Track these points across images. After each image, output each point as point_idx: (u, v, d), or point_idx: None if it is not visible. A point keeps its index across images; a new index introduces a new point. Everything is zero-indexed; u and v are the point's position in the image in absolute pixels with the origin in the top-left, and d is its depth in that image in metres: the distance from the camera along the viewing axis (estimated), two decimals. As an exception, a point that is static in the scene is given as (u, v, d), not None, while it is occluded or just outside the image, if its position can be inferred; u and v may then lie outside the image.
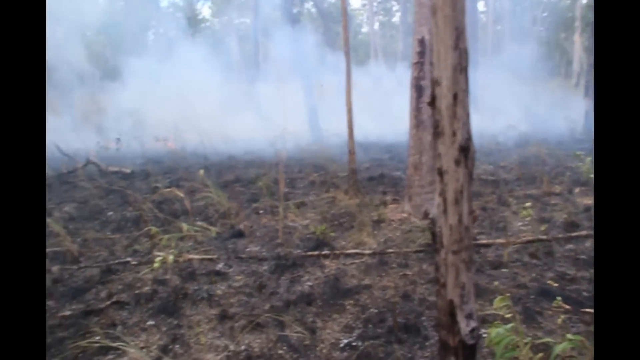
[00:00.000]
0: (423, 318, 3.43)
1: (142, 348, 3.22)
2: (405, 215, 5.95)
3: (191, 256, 4.79)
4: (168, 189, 6.91)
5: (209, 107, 17.24)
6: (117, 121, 16.90)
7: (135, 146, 14.69)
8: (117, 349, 3.04)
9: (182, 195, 6.07)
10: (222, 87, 18.73)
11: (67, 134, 15.61)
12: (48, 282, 4.40)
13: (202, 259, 4.77)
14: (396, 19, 44.02)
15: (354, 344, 3.15)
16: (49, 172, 10.72)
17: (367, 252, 4.78)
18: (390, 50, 41.21)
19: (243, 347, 3.16)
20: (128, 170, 10.76)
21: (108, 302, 3.90)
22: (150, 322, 3.56)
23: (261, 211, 6.63)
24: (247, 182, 8.62)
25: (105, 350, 3.09)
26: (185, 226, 5.28)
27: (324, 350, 3.10)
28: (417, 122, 5.88)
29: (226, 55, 20.19)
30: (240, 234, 5.54)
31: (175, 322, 3.55)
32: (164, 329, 3.46)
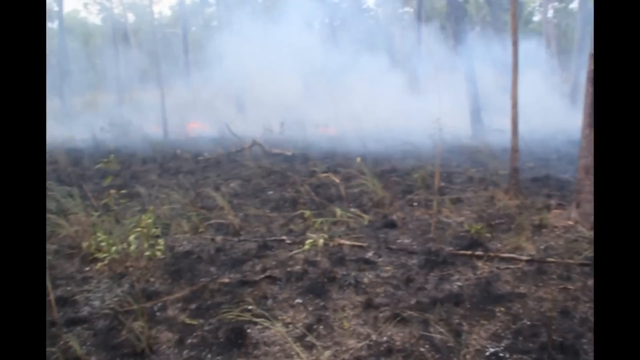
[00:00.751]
0: (584, 340, 3.08)
1: (288, 323, 3.36)
2: (570, 222, 5.42)
3: (342, 241, 4.87)
4: (325, 174, 7.13)
5: (370, 96, 17.41)
6: (282, 107, 17.84)
7: (297, 131, 15.40)
8: (265, 320, 3.19)
9: (338, 180, 6.22)
10: (384, 77, 18.78)
11: (236, 117, 16.92)
12: (212, 250, 4.81)
13: (353, 246, 4.83)
14: (574, 4, 40.12)
15: (500, 354, 2.95)
16: (219, 150, 11.71)
17: (525, 258, 4.44)
18: (565, 40, 37.82)
19: (385, 339, 3.13)
20: (289, 153, 11.32)
21: (262, 276, 4.13)
22: (298, 300, 3.70)
23: (415, 204, 6.53)
24: (403, 173, 8.54)
25: (254, 321, 3.27)
26: (338, 211, 5.40)
27: (468, 356, 2.94)
28: (591, 120, 5.28)
29: (389, 44, 20.13)
30: (392, 225, 5.51)
31: (322, 303, 3.64)
32: (311, 308, 3.57)
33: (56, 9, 39.38)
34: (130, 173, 9.63)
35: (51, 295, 3.46)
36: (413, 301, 3.64)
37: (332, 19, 28.56)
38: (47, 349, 3.05)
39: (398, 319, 3.33)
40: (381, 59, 19.50)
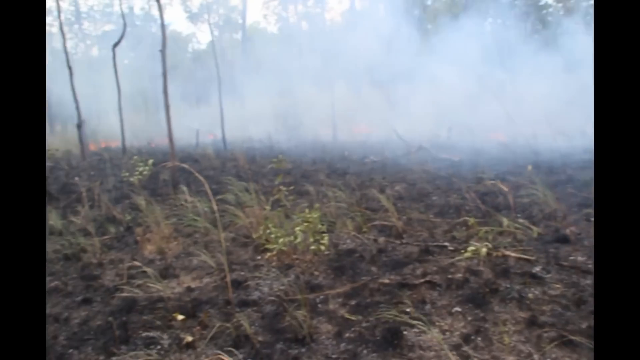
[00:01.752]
0: None
1: (445, 330, 3.31)
2: None
3: (507, 253, 4.65)
4: (492, 182, 6.85)
5: (544, 99, 16.21)
6: (450, 112, 17.45)
7: (465, 137, 14.95)
8: (422, 324, 3.20)
9: (506, 189, 5.93)
10: (560, 78, 17.33)
11: (403, 121, 16.95)
12: (374, 251, 4.92)
13: (519, 258, 4.59)
14: None
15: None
16: (386, 153, 11.86)
17: None
18: None
19: (549, 360, 2.94)
20: (456, 159, 11.06)
21: (422, 280, 4.13)
22: (457, 309, 3.63)
23: (592, 218, 5.96)
24: (581, 184, 7.83)
25: (411, 324, 3.29)
26: (505, 221, 5.15)
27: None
28: None
29: (570, 42, 18.42)
30: (564, 240, 5.10)
31: (482, 314, 3.52)
32: (469, 318, 3.48)
33: (240, 21, 43.37)
34: (301, 172, 10.24)
35: (228, 277, 3.85)
36: (584, 325, 3.34)
37: (505, 18, 27.10)
38: (222, 324, 3.42)
39: (565, 341, 3.09)
40: (557, 59, 18.00)
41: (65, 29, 17.23)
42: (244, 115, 22.88)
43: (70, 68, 15.25)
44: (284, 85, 23.48)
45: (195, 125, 18.95)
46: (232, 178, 7.46)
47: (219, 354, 2.94)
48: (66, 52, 15.64)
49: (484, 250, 4.28)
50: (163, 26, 9.82)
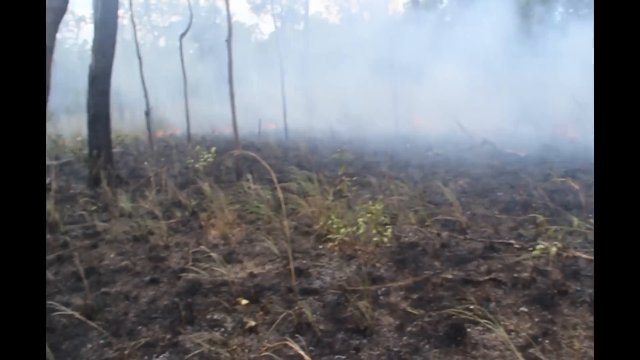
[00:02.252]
0: None
1: (510, 330, 3.21)
2: None
3: (578, 254, 4.45)
4: (562, 179, 6.57)
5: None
6: (517, 105, 16.84)
7: (532, 131, 14.42)
8: (487, 322, 3.11)
9: (577, 187, 5.67)
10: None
11: (468, 115, 16.51)
12: (437, 245, 4.83)
13: (590, 260, 4.38)
14: None
15: None
16: (449, 146, 11.61)
17: None
18: None
19: (625, 368, 2.79)
20: (522, 154, 10.68)
21: (486, 277, 4.02)
22: (524, 309, 3.51)
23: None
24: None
25: (475, 321, 3.21)
26: (576, 221, 4.93)
27: None
28: None
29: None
30: (640, 242, 4.82)
31: (550, 316, 3.39)
32: (537, 319, 3.36)
33: (302, 12, 43.47)
34: (363, 163, 10.20)
35: (292, 266, 3.89)
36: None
37: (577, 8, 25.72)
38: (285, 311, 3.46)
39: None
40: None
41: (135, 20, 17.82)
42: (305, 106, 23.03)
43: (140, 58, 15.79)
44: (345, 76, 23.39)
45: (257, 114, 19.24)
46: (294, 167, 7.52)
47: (284, 339, 2.98)
48: (137, 43, 16.20)
49: (554, 249, 4.10)
50: (229, 16, 9.98)
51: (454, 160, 10.39)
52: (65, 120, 21.01)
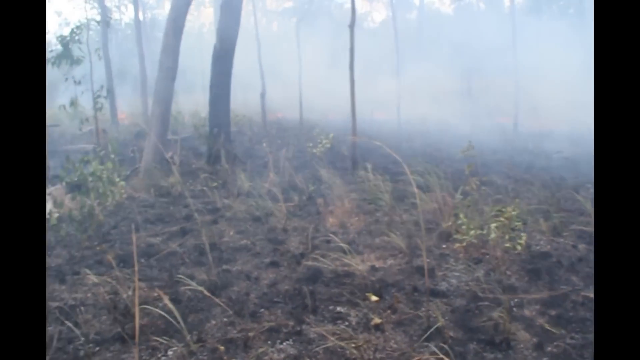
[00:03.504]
0: None
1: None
2: None
3: None
4: None
5: None
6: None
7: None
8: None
9: None
10: None
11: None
12: (573, 258, 4.38)
13: None
14: None
15: None
16: (578, 149, 10.71)
17: None
18: None
19: None
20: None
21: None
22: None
23: None
24: None
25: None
26: None
27: None
28: None
29: None
30: None
31: None
32: None
33: (417, 2, 42.35)
34: (481, 160, 9.65)
35: (425, 264, 3.66)
36: None
37: None
38: (412, 312, 3.26)
39: None
40: None
41: (252, 5, 18.31)
42: (418, 96, 22.47)
43: (259, 41, 16.18)
44: (460, 67, 22.52)
45: (370, 102, 19.00)
46: (418, 158, 7.25)
47: (413, 341, 2.78)
48: (256, 27, 16.62)
49: None
50: (353, 2, 9.81)
51: (583, 164, 9.54)
52: (184, 98, 22.10)
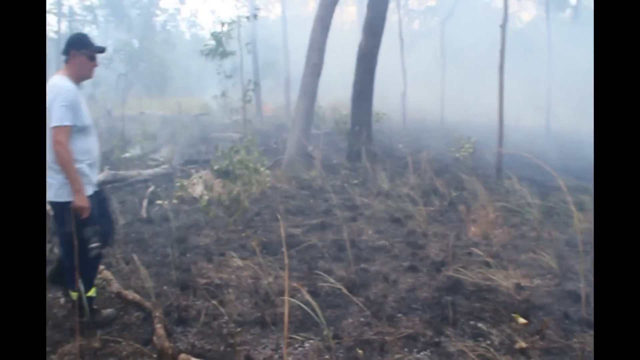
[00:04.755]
0: None
1: None
2: None
3: None
4: None
5: None
6: None
7: None
8: None
9: None
10: None
11: None
12: None
13: None
14: None
15: None
16: None
17: None
18: None
19: None
20: None
21: None
22: None
23: None
24: None
25: None
26: None
27: None
28: None
29: None
30: None
31: None
32: None
33: (574, 2, 38.96)
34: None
35: (583, 290, 3.36)
36: None
37: None
38: (561, 341, 2.99)
39: None
40: None
41: (395, 4, 18.14)
42: (570, 102, 20.80)
43: (401, 39, 16.00)
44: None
45: (517, 107, 17.90)
46: (560, 172, 6.69)
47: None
48: (400, 25, 16.43)
49: None
50: (506, 1, 9.28)
51: None
52: (325, 94, 22.61)
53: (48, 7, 33.89)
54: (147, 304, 3.46)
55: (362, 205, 5.91)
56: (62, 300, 3.74)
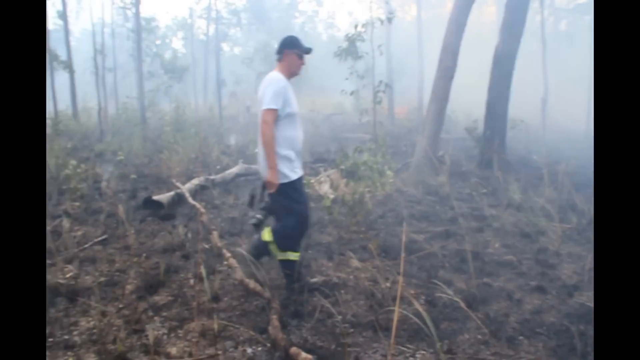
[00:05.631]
0: None
1: None
2: None
3: None
4: None
5: None
6: None
7: None
8: None
9: None
10: None
11: None
12: None
13: None
14: None
15: None
16: None
17: None
18: None
19: None
20: None
21: None
22: None
23: None
24: None
25: None
26: None
27: None
28: None
29: None
30: None
31: None
32: None
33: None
34: None
35: None
36: None
37: None
38: None
39: None
40: None
41: (536, 4, 16.94)
42: None
43: (544, 42, 14.94)
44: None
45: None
46: None
47: None
48: (542, 26, 15.34)
49: None
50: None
51: None
52: (459, 97, 21.92)
53: (199, 12, 36.86)
54: (266, 295, 3.60)
55: (490, 216, 5.62)
56: (191, 281, 4.06)
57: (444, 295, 3.51)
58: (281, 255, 3.79)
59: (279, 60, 3.85)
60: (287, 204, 3.69)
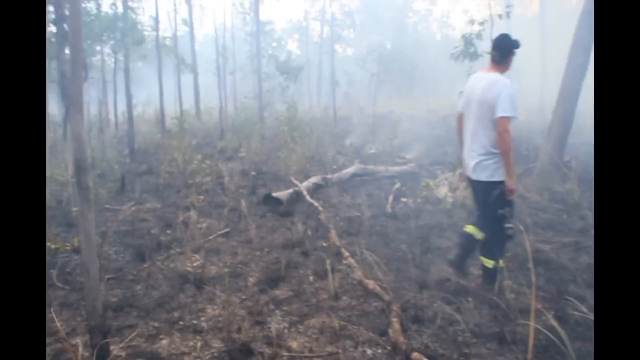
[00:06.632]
0: None
1: None
2: None
3: None
4: None
5: None
6: None
7: None
8: None
9: None
10: None
11: None
12: None
13: None
14: None
15: None
16: None
17: None
18: None
19: None
20: None
21: None
22: None
23: None
24: None
25: None
26: None
27: None
28: None
29: None
30: None
31: None
32: None
33: None
34: None
35: None
36: None
37: None
38: None
39: None
40: None
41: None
42: None
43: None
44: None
45: None
46: None
47: None
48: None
49: None
50: None
51: None
52: (587, 97, 20.38)
53: (313, 14, 37.66)
54: (386, 297, 3.57)
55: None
56: (311, 278, 4.14)
57: (576, 312, 3.26)
58: (492, 264, 3.80)
59: (500, 62, 3.73)
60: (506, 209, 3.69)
